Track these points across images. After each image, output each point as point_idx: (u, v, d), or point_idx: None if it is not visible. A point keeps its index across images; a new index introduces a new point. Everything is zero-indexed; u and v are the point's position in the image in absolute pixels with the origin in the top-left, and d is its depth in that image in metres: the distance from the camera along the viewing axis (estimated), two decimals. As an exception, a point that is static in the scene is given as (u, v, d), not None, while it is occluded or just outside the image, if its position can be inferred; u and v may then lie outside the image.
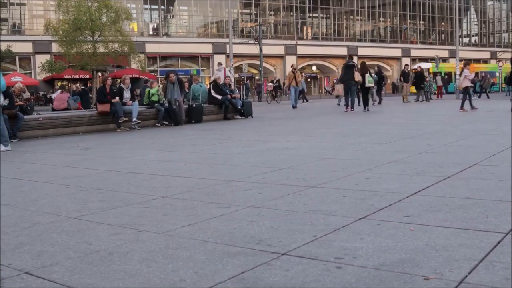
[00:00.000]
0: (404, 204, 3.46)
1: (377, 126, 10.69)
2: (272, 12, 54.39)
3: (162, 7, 48.73)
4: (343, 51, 55.30)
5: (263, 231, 2.94)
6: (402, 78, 25.33)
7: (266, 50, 42.82)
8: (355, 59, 57.99)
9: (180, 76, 15.35)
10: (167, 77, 13.66)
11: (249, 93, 37.45)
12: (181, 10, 51.11)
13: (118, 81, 17.89)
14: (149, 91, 13.45)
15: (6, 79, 27.93)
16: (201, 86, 16.13)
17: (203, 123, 13.66)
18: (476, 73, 40.07)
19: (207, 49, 48.23)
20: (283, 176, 4.77)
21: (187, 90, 15.13)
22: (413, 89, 25.67)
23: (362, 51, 56.18)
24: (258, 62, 42.42)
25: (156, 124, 12.93)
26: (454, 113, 14.06)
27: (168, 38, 48.46)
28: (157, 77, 36.93)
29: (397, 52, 57.94)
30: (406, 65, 28.36)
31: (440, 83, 32.45)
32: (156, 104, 13.12)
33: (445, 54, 57.68)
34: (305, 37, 55.46)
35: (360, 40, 57.69)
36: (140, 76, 33.84)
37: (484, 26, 66.77)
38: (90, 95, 21.79)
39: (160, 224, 3.20)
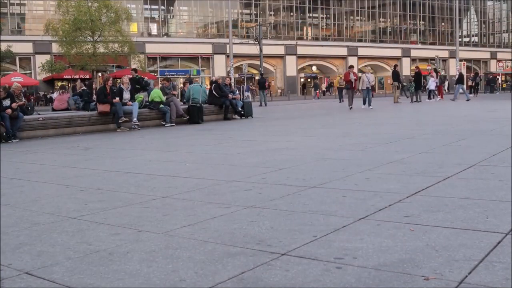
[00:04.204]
0: (404, 204, 3.46)
1: (377, 126, 10.69)
2: (272, 12, 54.39)
3: (162, 7, 48.73)
4: (343, 51, 55.34)
5: (263, 231, 2.94)
6: (392, 78, 24.96)
7: (266, 50, 42.82)
8: (355, 59, 57.79)
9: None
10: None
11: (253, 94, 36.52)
12: (181, 10, 51.11)
13: (118, 81, 17.98)
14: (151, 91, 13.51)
15: (6, 79, 27.85)
16: (200, 86, 16.12)
17: (203, 123, 13.67)
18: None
19: (207, 49, 48.23)
20: (283, 176, 4.77)
21: (185, 90, 15.22)
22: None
23: (362, 51, 56.22)
24: (258, 62, 42.40)
25: (164, 124, 13.04)
26: (453, 113, 14.06)
27: (168, 38, 48.47)
28: (157, 77, 36.95)
29: (397, 52, 57.99)
30: (396, 65, 28.06)
31: (439, 83, 32.40)
32: (161, 106, 13.16)
33: (445, 54, 57.71)
34: (305, 37, 55.48)
35: (360, 40, 57.71)
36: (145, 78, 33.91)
37: (484, 26, 66.76)
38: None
39: (160, 224, 3.20)
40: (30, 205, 3.96)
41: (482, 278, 2.09)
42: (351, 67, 20.70)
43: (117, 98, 12.14)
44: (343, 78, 22.50)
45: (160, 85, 13.92)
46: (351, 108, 18.38)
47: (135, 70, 17.45)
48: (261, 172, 5.00)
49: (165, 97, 13.51)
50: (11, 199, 4.23)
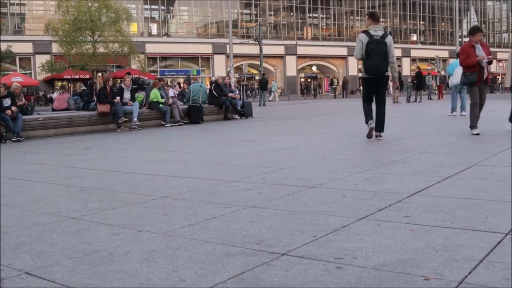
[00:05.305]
0: (404, 204, 3.46)
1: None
2: (272, 12, 54.41)
3: (162, 7, 48.75)
4: (343, 51, 55.31)
5: (263, 231, 2.93)
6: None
7: (266, 50, 42.84)
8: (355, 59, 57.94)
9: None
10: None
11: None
12: (181, 10, 51.14)
13: (119, 81, 18.04)
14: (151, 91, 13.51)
15: (6, 79, 27.83)
16: (201, 86, 16.12)
17: (203, 123, 13.67)
18: None
19: (207, 49, 48.26)
20: (283, 176, 4.76)
21: (186, 91, 15.21)
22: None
23: (362, 51, 56.19)
24: (258, 62, 42.41)
25: (164, 124, 13.02)
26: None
27: (168, 38, 48.48)
28: (156, 77, 36.97)
29: (397, 52, 57.76)
30: (398, 65, 27.97)
31: (439, 82, 32.47)
32: (160, 106, 13.15)
33: (445, 54, 57.71)
34: (305, 37, 55.49)
35: (360, 40, 57.66)
36: (140, 76, 33.91)
37: (484, 26, 66.70)
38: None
39: (160, 224, 3.20)
40: (30, 205, 3.96)
41: (482, 278, 2.09)
42: (477, 30, 8.04)
43: (117, 98, 12.14)
44: (460, 58, 8.06)
45: (158, 86, 13.89)
46: (477, 134, 7.62)
47: (129, 74, 17.64)
48: (261, 172, 4.99)
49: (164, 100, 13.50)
50: (11, 199, 4.23)
